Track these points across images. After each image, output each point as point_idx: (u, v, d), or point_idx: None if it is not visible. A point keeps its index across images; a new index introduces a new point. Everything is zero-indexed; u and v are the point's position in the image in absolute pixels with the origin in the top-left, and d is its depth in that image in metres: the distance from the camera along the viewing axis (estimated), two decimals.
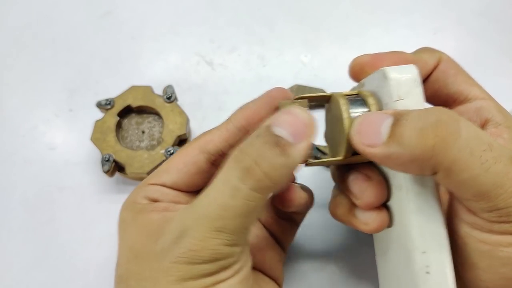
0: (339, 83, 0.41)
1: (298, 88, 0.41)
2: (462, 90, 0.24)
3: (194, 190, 0.25)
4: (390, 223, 0.23)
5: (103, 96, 0.38)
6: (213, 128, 0.25)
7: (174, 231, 0.20)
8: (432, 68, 0.25)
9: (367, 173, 0.23)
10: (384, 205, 0.23)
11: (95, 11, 0.47)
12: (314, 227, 0.35)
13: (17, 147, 0.40)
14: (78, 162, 0.39)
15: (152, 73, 0.44)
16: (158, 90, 0.38)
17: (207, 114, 0.41)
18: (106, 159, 0.35)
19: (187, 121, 0.37)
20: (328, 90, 0.41)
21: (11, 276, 0.34)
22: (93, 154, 0.38)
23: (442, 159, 0.17)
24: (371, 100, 0.22)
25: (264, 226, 0.28)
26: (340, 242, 0.35)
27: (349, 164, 0.24)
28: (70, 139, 0.40)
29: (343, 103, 0.22)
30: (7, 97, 0.42)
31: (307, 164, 0.23)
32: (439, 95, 0.25)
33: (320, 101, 0.25)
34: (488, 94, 0.25)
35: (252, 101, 0.24)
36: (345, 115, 0.21)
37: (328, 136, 0.26)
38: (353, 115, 0.22)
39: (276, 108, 0.23)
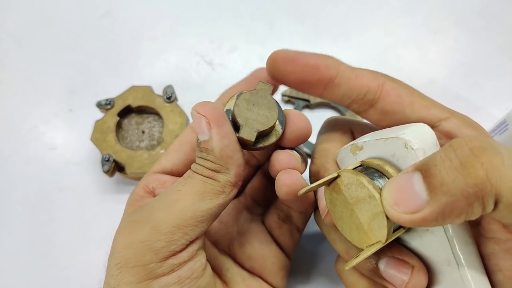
0: None
1: None
2: (423, 117, 0.22)
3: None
4: None
5: (103, 96, 0.38)
6: None
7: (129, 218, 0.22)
8: (366, 91, 0.22)
9: (403, 257, 0.20)
10: None
11: (95, 11, 0.47)
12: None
13: (17, 147, 0.40)
14: (78, 162, 0.39)
15: (152, 73, 0.44)
16: (158, 90, 0.38)
17: None
18: (106, 159, 0.35)
19: (187, 121, 0.37)
20: None
21: (11, 276, 0.34)
22: (93, 154, 0.38)
23: (502, 186, 0.15)
24: (389, 169, 0.19)
25: (268, 231, 0.28)
26: None
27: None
28: (70, 139, 0.40)
29: (367, 181, 0.19)
30: (7, 97, 0.42)
31: (346, 267, 0.20)
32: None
33: (322, 186, 0.21)
34: (450, 110, 0.22)
35: (239, 81, 0.25)
36: (377, 195, 0.18)
37: (341, 220, 0.21)
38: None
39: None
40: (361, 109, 0.23)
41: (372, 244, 0.19)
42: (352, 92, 0.22)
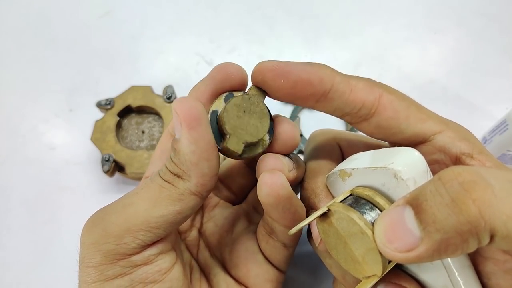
0: None
1: None
2: (418, 131, 0.21)
3: None
4: None
5: (103, 96, 0.38)
6: None
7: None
8: (361, 105, 0.21)
9: (401, 282, 0.20)
10: None
11: (95, 11, 0.47)
12: None
13: (17, 147, 0.40)
14: (78, 162, 0.39)
15: (152, 73, 0.44)
16: (158, 90, 0.38)
17: None
18: (106, 159, 0.35)
19: None
20: None
21: (11, 276, 0.34)
22: (93, 154, 0.38)
23: (496, 221, 0.15)
24: (380, 201, 0.19)
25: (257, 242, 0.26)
26: None
27: None
28: (70, 139, 0.40)
29: (358, 217, 0.18)
30: (7, 97, 0.42)
31: None
32: (395, 141, 0.22)
33: (313, 220, 0.21)
34: (444, 122, 0.22)
35: (200, 81, 0.23)
36: (368, 232, 0.18)
37: (336, 250, 0.21)
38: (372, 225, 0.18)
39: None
40: (353, 121, 0.22)
41: (369, 276, 0.19)
42: (345, 106, 0.21)
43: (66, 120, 0.41)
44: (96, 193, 0.37)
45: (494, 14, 0.47)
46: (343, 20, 0.47)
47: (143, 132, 0.38)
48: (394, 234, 0.17)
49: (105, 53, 0.45)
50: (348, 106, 0.21)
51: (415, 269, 0.20)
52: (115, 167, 0.35)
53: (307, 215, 0.23)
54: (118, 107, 0.37)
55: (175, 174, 0.20)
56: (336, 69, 0.22)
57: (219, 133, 0.21)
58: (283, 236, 0.24)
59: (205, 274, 0.26)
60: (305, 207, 0.23)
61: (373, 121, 0.21)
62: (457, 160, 0.21)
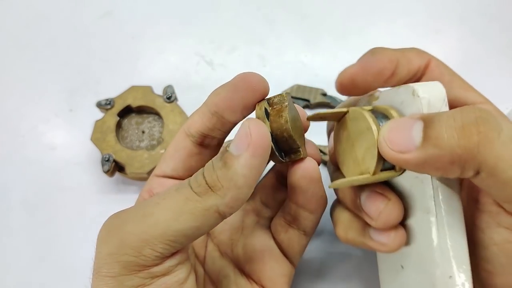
0: None
1: (298, 88, 0.41)
2: (459, 97, 0.23)
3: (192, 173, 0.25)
4: (408, 241, 0.22)
5: (103, 96, 0.38)
6: (194, 112, 0.25)
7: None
8: (417, 69, 0.23)
9: (384, 192, 0.22)
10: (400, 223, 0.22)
11: (95, 11, 0.47)
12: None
13: (17, 147, 0.40)
14: (78, 162, 0.39)
15: (152, 73, 0.44)
16: (158, 90, 0.38)
17: None
18: (106, 159, 0.35)
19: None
20: (328, 90, 0.41)
21: (11, 276, 0.34)
22: (93, 154, 0.38)
23: (487, 156, 0.16)
24: (394, 113, 0.21)
25: (273, 236, 0.27)
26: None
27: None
28: (70, 139, 0.40)
29: (368, 115, 0.20)
30: (7, 97, 0.42)
31: (330, 187, 0.23)
32: None
33: (332, 118, 0.23)
34: (485, 97, 0.24)
35: (221, 87, 0.24)
36: (374, 127, 0.20)
37: (342, 155, 0.24)
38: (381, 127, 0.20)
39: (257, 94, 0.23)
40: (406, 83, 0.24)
41: (364, 176, 0.21)
42: (407, 75, 0.23)
43: (66, 120, 0.41)
44: (96, 193, 0.37)
45: (495, 14, 0.47)
46: (343, 20, 0.47)
47: (143, 132, 0.38)
48: (397, 135, 0.18)
49: (105, 53, 0.45)
50: (409, 75, 0.23)
51: (406, 190, 0.22)
52: (115, 167, 0.35)
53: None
54: (118, 107, 0.37)
55: (209, 186, 0.19)
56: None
57: (276, 144, 0.22)
58: (305, 222, 0.26)
59: (212, 278, 0.26)
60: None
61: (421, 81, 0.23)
62: None
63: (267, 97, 0.23)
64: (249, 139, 0.19)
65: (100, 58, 0.44)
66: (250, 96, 0.23)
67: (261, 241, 0.27)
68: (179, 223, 0.19)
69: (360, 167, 0.21)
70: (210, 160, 0.20)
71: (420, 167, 0.18)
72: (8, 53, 0.45)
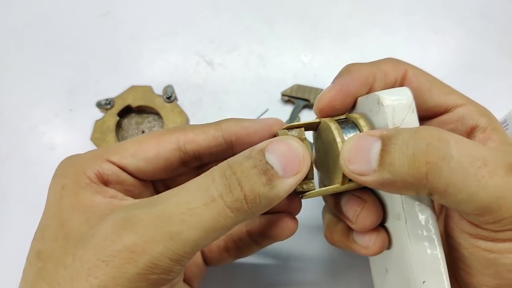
0: None
1: (298, 88, 0.41)
2: (440, 102, 0.24)
3: (150, 180, 0.24)
4: (389, 245, 0.22)
5: (103, 96, 0.38)
6: (197, 127, 0.23)
7: (117, 218, 0.18)
8: (394, 82, 0.23)
9: (361, 195, 0.22)
10: (381, 225, 0.23)
11: (95, 11, 0.47)
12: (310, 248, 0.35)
13: (16, 147, 0.40)
14: None
15: (152, 73, 0.44)
16: (158, 90, 0.38)
17: (207, 114, 0.41)
18: None
19: (187, 121, 0.37)
20: None
21: (11, 276, 0.34)
22: None
23: (436, 184, 0.17)
24: (362, 122, 0.21)
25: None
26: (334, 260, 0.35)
27: None
28: (70, 139, 0.40)
29: (334, 128, 0.21)
30: (7, 97, 0.42)
31: (302, 197, 0.22)
32: (418, 111, 0.23)
33: (309, 128, 0.24)
34: (467, 98, 0.24)
35: (247, 121, 0.23)
36: (338, 139, 0.20)
37: (320, 164, 0.25)
38: (346, 139, 0.21)
39: (273, 137, 0.23)
40: None
41: (332, 186, 0.21)
42: (382, 87, 0.23)
43: (66, 120, 0.41)
44: None
45: (494, 14, 0.47)
46: (343, 20, 0.47)
47: (143, 132, 0.38)
48: (356, 157, 0.19)
49: (105, 53, 0.45)
50: (385, 87, 0.23)
51: (383, 195, 0.23)
52: None
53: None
54: (118, 107, 0.37)
55: (247, 201, 0.18)
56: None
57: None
58: (252, 251, 0.27)
59: None
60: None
61: None
62: (471, 132, 0.23)
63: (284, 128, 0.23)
64: (301, 166, 0.19)
65: (100, 58, 0.44)
66: (270, 132, 0.23)
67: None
68: (208, 240, 0.18)
69: (332, 176, 0.22)
70: (242, 168, 0.19)
71: (379, 187, 0.19)
72: (9, 53, 0.45)
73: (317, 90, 0.41)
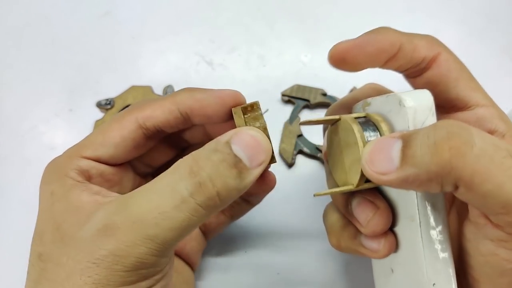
0: (339, 83, 0.42)
1: (298, 88, 0.41)
2: (463, 96, 0.23)
3: (125, 162, 0.24)
4: (397, 247, 0.23)
5: (103, 96, 0.38)
6: (155, 102, 0.24)
7: (99, 223, 0.19)
8: (421, 60, 0.22)
9: (373, 199, 0.22)
10: (390, 229, 0.23)
11: (95, 11, 0.47)
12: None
13: (16, 147, 0.40)
14: None
15: (152, 73, 0.44)
16: (158, 90, 0.38)
17: None
18: None
19: None
20: (328, 90, 0.41)
21: (11, 276, 0.34)
22: None
23: (461, 171, 0.16)
24: (384, 126, 0.21)
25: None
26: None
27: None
28: (70, 139, 0.40)
29: (357, 130, 0.21)
30: (6, 97, 0.42)
31: (316, 195, 0.22)
32: (437, 99, 0.23)
33: (324, 123, 0.24)
34: (491, 99, 0.23)
35: (201, 92, 0.23)
36: (360, 143, 0.20)
37: (332, 158, 0.25)
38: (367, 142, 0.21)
39: (227, 113, 0.23)
40: (410, 75, 0.24)
41: (347, 187, 0.22)
42: (409, 63, 0.22)
43: (66, 120, 0.41)
44: None
45: (495, 14, 0.47)
46: (343, 20, 0.47)
47: None
48: (378, 157, 0.19)
49: (105, 53, 0.45)
50: (412, 62, 0.22)
51: (393, 197, 0.22)
52: None
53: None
54: (118, 107, 0.37)
55: (220, 198, 0.19)
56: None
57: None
58: (241, 212, 0.30)
59: None
60: None
61: (426, 76, 0.23)
62: None
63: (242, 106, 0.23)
64: (264, 156, 0.20)
65: (100, 58, 0.44)
66: (224, 106, 0.23)
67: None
68: (186, 234, 0.19)
69: (346, 175, 0.22)
70: (211, 163, 0.19)
71: (402, 186, 0.19)
72: (8, 53, 0.45)
73: (317, 90, 0.41)
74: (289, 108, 0.41)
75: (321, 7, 0.48)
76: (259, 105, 0.22)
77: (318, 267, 0.34)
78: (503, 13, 0.47)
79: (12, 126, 0.41)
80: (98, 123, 0.36)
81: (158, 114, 0.23)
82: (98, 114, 0.37)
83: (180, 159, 0.20)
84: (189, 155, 0.20)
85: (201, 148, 0.20)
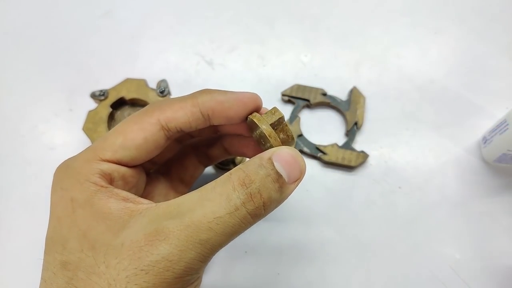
0: (339, 82, 0.42)
1: (298, 88, 0.41)
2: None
3: (142, 163, 0.25)
4: None
5: None
6: (175, 103, 0.24)
7: (148, 229, 0.19)
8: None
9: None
10: None
11: (95, 11, 0.47)
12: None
13: (16, 147, 0.40)
14: None
15: (152, 73, 0.44)
16: (152, 84, 0.38)
17: None
18: None
19: None
20: (328, 90, 0.41)
21: (11, 276, 0.34)
22: None
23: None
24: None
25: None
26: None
27: None
28: (70, 139, 0.40)
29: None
30: (6, 97, 0.42)
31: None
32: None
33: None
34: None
35: (222, 94, 0.24)
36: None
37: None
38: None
39: (246, 115, 0.24)
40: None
41: None
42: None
43: (66, 120, 0.41)
44: None
45: (495, 14, 0.47)
46: (343, 20, 0.47)
47: None
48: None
49: (105, 53, 0.45)
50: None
51: None
52: None
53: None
54: (112, 98, 0.37)
55: (264, 207, 0.21)
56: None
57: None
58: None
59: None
60: None
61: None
62: None
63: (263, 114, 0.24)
64: (299, 174, 0.22)
65: (100, 58, 0.44)
66: (245, 109, 0.24)
67: (186, 151, 0.31)
68: (230, 241, 0.21)
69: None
70: (260, 177, 0.21)
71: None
72: (8, 53, 0.45)
73: (317, 90, 0.41)
74: (289, 108, 0.41)
75: (321, 7, 0.48)
76: (283, 115, 0.23)
77: (318, 268, 0.34)
78: (503, 13, 0.47)
79: (12, 126, 0.41)
80: (91, 114, 0.36)
81: (180, 116, 0.23)
82: (92, 105, 0.37)
83: (228, 173, 0.21)
84: (238, 169, 0.21)
85: (248, 163, 0.21)
